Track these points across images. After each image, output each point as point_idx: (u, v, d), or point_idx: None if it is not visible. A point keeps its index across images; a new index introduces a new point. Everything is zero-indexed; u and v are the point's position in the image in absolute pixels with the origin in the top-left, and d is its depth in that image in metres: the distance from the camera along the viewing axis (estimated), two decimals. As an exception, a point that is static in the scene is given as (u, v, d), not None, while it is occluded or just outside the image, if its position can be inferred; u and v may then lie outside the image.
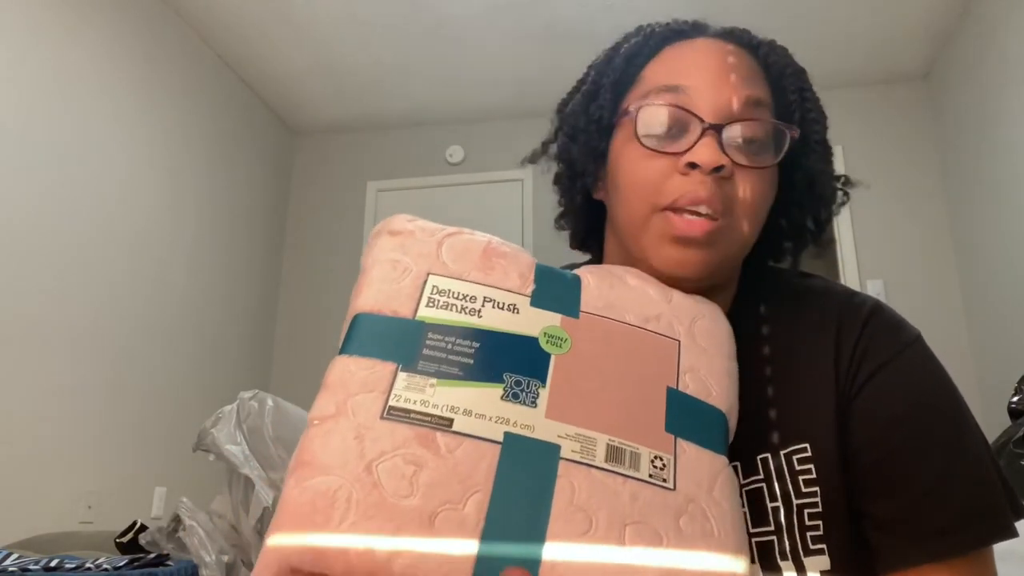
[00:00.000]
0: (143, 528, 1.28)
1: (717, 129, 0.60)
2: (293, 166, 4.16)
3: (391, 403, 0.47)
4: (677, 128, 0.61)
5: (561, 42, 3.30)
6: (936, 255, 3.36)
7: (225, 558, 1.12)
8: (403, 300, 0.53)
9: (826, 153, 0.67)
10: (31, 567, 1.02)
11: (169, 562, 1.11)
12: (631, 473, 0.48)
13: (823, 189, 0.66)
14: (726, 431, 0.55)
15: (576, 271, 0.61)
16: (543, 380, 0.51)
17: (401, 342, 0.50)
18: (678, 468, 0.50)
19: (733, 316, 0.68)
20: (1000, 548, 0.58)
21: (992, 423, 1.95)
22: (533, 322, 0.54)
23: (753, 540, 0.59)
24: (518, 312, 0.54)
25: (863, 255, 3.42)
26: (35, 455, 2.37)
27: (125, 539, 1.28)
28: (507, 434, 0.47)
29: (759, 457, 0.61)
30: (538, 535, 0.44)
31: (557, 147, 0.74)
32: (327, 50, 3.43)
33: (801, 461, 0.60)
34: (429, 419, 0.47)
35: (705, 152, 0.59)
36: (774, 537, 0.59)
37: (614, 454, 0.49)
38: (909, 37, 3.28)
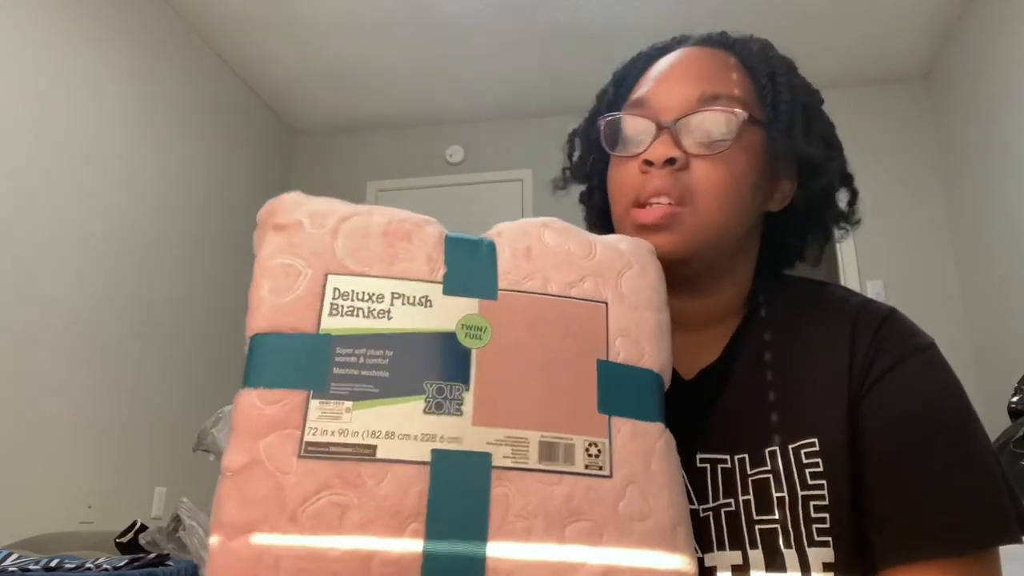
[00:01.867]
0: (143, 528, 1.28)
1: (670, 127, 0.65)
2: (293, 166, 4.16)
3: (307, 438, 0.43)
4: (640, 133, 0.67)
5: (561, 42, 3.30)
6: (936, 255, 3.36)
7: (225, 558, 1.11)
8: (301, 312, 0.47)
9: (808, 134, 0.69)
10: (31, 567, 1.02)
11: (169, 562, 1.11)
12: (566, 468, 0.47)
13: (808, 169, 0.69)
14: (661, 394, 0.54)
15: (491, 234, 0.58)
16: (466, 382, 0.47)
17: (307, 363, 0.45)
18: (614, 451, 0.49)
19: (748, 315, 0.71)
20: (1001, 547, 0.57)
21: (992, 423, 1.95)
22: (449, 313, 0.49)
23: (757, 527, 0.60)
24: (431, 305, 0.49)
25: (863, 255, 3.42)
26: (35, 455, 2.37)
27: (125, 539, 1.28)
28: (434, 451, 0.45)
29: (767, 450, 0.62)
30: (478, 559, 0.43)
31: (572, 169, 0.81)
32: (327, 50, 3.43)
33: (809, 455, 0.61)
34: (350, 450, 0.43)
35: (657, 148, 0.65)
36: (778, 525, 0.60)
37: (547, 451, 0.47)
38: (909, 37, 3.28)
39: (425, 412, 0.46)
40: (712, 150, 0.65)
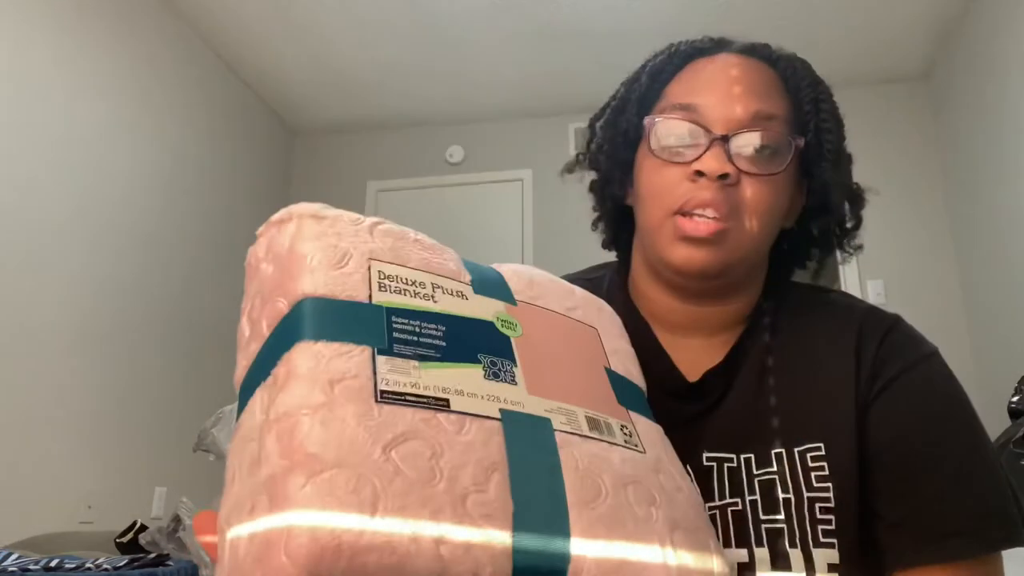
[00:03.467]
0: (143, 528, 1.28)
1: (724, 140, 0.64)
2: (293, 166, 4.16)
3: (381, 387, 0.44)
4: (689, 140, 0.66)
5: (561, 42, 3.30)
6: (936, 255, 3.36)
7: (225, 558, 1.11)
8: (354, 285, 0.48)
9: (840, 162, 0.70)
10: (31, 567, 1.02)
11: (169, 562, 1.11)
12: (612, 440, 0.51)
13: (836, 195, 0.70)
14: (649, 405, 0.60)
15: (493, 266, 0.62)
16: (513, 360, 0.51)
17: (368, 326, 0.47)
18: (640, 435, 0.53)
19: (754, 319, 0.72)
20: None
21: (992, 423, 1.95)
22: (483, 308, 0.53)
23: (763, 527, 0.62)
24: (467, 298, 0.53)
25: (863, 255, 3.40)
26: (35, 455, 2.38)
27: (125, 539, 1.28)
28: (503, 411, 0.47)
29: (773, 452, 0.64)
30: (561, 506, 0.44)
31: (589, 157, 0.80)
32: (327, 50, 3.43)
33: (815, 459, 0.62)
34: (427, 400, 0.44)
35: (711, 161, 0.64)
36: (784, 525, 0.61)
37: (594, 425, 0.51)
38: (909, 37, 3.28)
39: (485, 378, 0.48)
40: (764, 170, 0.65)
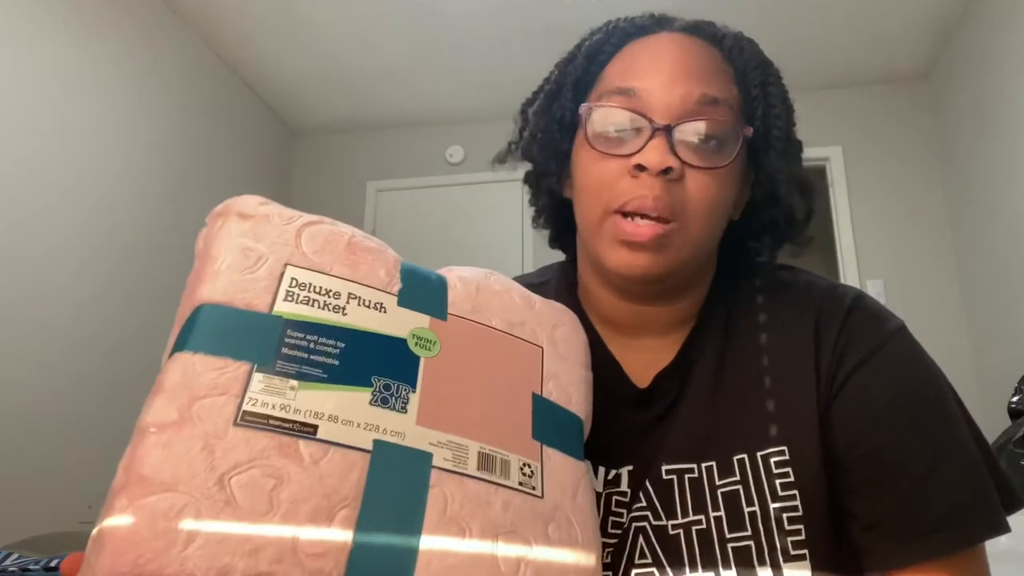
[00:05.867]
0: (143, 528, 1.27)
1: (667, 130, 0.59)
2: (292, 166, 4.16)
3: (246, 407, 0.41)
4: (629, 130, 0.61)
5: (561, 42, 3.28)
6: (936, 255, 3.36)
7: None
8: (257, 292, 0.46)
9: (788, 149, 0.65)
10: (31, 567, 1.02)
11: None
12: (502, 481, 0.47)
13: (783, 186, 0.64)
14: (583, 438, 0.56)
15: (442, 271, 0.58)
16: (413, 384, 0.48)
17: (256, 339, 0.44)
18: (545, 476, 0.50)
19: (705, 314, 0.67)
20: (1001, 548, 0.57)
21: (992, 423, 1.95)
22: (401, 322, 0.50)
23: (729, 545, 0.58)
24: (385, 311, 0.50)
25: (863, 255, 3.42)
26: (36, 455, 2.37)
27: (125, 539, 1.27)
28: (376, 442, 0.44)
29: (736, 458, 0.60)
30: (409, 554, 0.41)
31: (521, 147, 0.74)
32: (327, 50, 3.43)
33: (779, 464, 0.59)
34: (291, 426, 0.42)
35: (653, 154, 0.58)
36: (751, 542, 0.57)
37: (485, 462, 0.47)
38: (909, 37, 3.28)
39: (371, 404, 0.45)
40: (710, 163, 0.60)
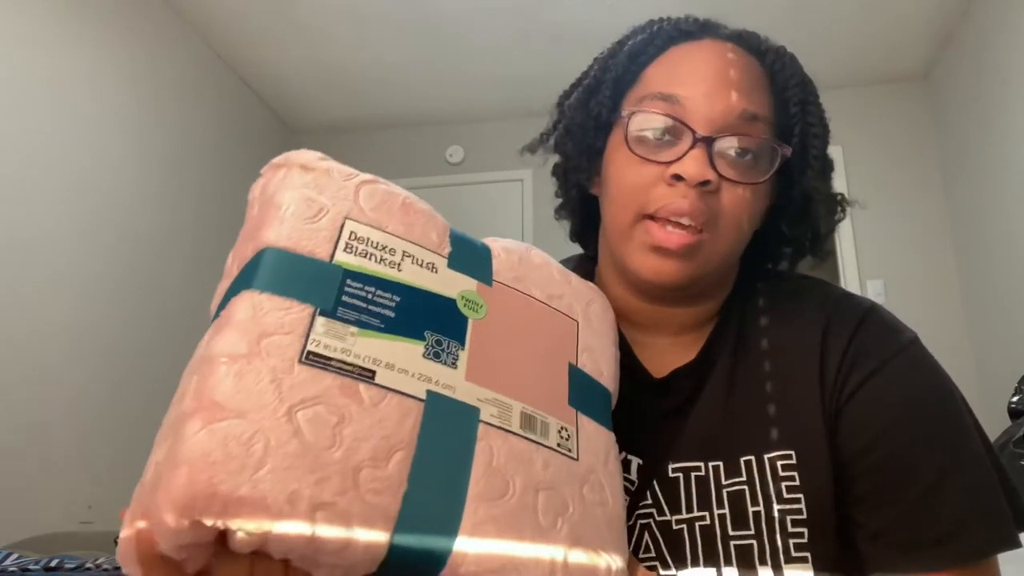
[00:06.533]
0: (143, 528, 1.27)
1: (707, 142, 0.59)
2: (293, 166, 4.16)
3: (310, 348, 0.43)
4: (668, 136, 0.61)
5: (561, 42, 3.30)
6: (936, 255, 3.36)
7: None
8: (319, 241, 0.48)
9: (824, 169, 0.66)
10: (31, 567, 1.02)
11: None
12: (543, 441, 0.50)
13: (818, 206, 0.66)
14: (611, 410, 0.59)
15: (486, 241, 0.59)
16: (462, 342, 0.50)
17: (319, 285, 0.46)
18: (580, 440, 0.52)
19: (724, 317, 0.67)
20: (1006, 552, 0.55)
21: (992, 423, 1.95)
22: (451, 283, 0.52)
23: (732, 543, 0.58)
24: (436, 271, 0.52)
25: (863, 255, 3.42)
26: (36, 455, 2.37)
27: (125, 539, 1.27)
28: (430, 392, 0.46)
29: (743, 459, 0.60)
30: (457, 498, 0.44)
31: (555, 140, 0.74)
32: (327, 49, 3.43)
33: (785, 468, 0.59)
34: (351, 369, 0.44)
35: (692, 165, 0.59)
36: (754, 541, 0.57)
37: (528, 422, 0.50)
38: (909, 37, 3.28)
39: (424, 356, 0.47)
40: (747, 178, 0.60)
